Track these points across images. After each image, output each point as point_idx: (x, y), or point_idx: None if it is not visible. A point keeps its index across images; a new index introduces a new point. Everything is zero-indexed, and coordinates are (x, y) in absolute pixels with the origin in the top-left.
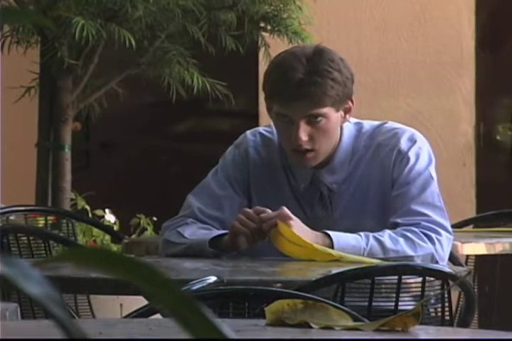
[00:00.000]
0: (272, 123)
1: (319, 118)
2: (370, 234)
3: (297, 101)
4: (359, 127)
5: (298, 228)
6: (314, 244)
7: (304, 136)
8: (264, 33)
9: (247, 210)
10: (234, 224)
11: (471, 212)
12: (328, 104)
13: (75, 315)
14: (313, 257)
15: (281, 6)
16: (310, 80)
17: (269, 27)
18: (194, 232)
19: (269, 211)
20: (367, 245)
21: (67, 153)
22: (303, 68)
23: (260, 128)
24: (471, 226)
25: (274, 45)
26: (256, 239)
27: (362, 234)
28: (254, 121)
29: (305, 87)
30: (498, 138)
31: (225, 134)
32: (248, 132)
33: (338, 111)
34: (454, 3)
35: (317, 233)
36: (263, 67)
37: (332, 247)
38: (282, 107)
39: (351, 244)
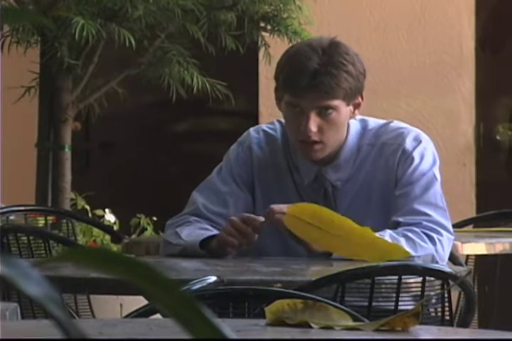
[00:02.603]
0: (274, 121)
1: (330, 111)
2: None
3: (310, 91)
4: (364, 124)
5: None
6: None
7: (313, 127)
8: (264, 33)
9: (233, 220)
10: (221, 235)
11: (471, 212)
12: (340, 97)
13: (75, 315)
14: (326, 241)
15: (281, 5)
16: (325, 71)
17: (269, 27)
18: (191, 233)
19: (255, 218)
20: None
21: (67, 153)
22: (318, 59)
23: (263, 126)
24: (471, 226)
25: (274, 45)
26: (242, 246)
27: None
28: (254, 121)
29: (319, 78)
30: (498, 138)
31: (225, 134)
32: (251, 129)
33: (348, 105)
34: (454, 3)
35: None
36: (263, 67)
37: None
38: (295, 97)
39: None
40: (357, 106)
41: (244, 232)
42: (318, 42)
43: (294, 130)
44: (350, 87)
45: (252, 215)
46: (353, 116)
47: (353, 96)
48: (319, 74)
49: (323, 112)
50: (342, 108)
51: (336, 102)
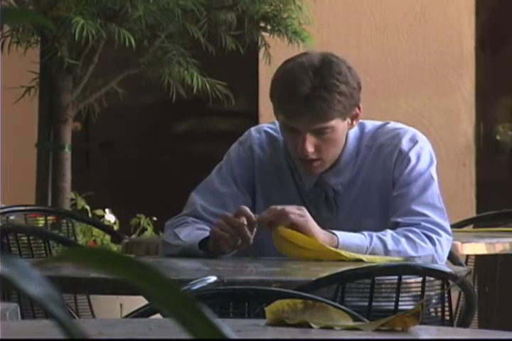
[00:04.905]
0: (275, 121)
1: (325, 131)
2: (374, 234)
3: (303, 115)
4: (362, 127)
5: (309, 223)
6: (320, 241)
7: (310, 148)
8: (264, 33)
9: (226, 215)
10: (213, 229)
11: (471, 212)
12: (334, 117)
13: (75, 315)
14: (320, 257)
15: (281, 5)
16: (316, 95)
17: (269, 27)
18: (189, 233)
19: (251, 214)
20: (370, 244)
21: (67, 153)
22: (310, 82)
23: (265, 126)
24: (471, 226)
25: (274, 45)
26: (237, 243)
27: (365, 233)
28: (255, 121)
29: (311, 102)
30: (498, 138)
31: (225, 134)
32: (252, 129)
33: (344, 120)
34: (454, 3)
35: (325, 231)
36: (263, 67)
37: (338, 246)
38: (288, 120)
39: (356, 243)
40: (355, 118)
41: (236, 225)
42: (310, 62)
43: (292, 148)
44: (344, 107)
45: (246, 208)
46: (351, 127)
47: (348, 112)
48: (311, 98)
49: (319, 132)
50: (338, 125)
51: (332, 122)
